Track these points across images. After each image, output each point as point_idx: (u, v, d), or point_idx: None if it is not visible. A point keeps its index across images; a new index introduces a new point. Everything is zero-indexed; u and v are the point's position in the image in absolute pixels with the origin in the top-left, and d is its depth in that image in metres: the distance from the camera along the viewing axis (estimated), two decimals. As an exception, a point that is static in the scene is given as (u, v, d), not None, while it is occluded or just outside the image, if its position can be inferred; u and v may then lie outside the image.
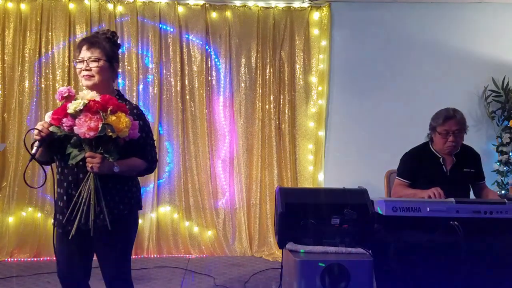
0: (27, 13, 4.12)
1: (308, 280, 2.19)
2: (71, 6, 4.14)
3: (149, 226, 4.18)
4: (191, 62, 4.29)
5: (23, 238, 4.03)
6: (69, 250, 2.00)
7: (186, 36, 4.27)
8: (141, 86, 4.24)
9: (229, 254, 4.21)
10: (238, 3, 4.29)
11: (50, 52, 4.13)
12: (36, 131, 1.83)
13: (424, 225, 2.32)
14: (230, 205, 4.31)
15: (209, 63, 4.30)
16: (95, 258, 2.08)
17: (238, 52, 4.31)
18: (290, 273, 2.31)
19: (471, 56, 4.36)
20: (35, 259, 3.97)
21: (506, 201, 2.39)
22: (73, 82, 4.12)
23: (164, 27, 4.24)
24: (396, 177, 2.96)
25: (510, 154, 4.24)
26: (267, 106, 4.32)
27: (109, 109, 1.79)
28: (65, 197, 1.94)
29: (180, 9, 4.26)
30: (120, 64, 4.01)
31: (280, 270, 2.63)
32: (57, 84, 4.11)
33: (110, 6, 4.17)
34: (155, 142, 2.47)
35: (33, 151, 1.84)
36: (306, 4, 4.30)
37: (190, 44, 4.28)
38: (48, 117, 1.84)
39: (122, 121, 1.79)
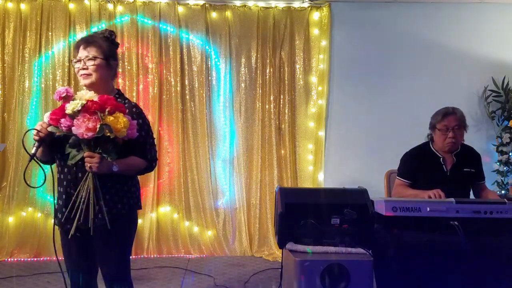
0: (27, 13, 4.12)
1: (308, 280, 2.19)
2: (71, 6, 4.14)
3: (149, 226, 4.18)
4: (191, 62, 4.29)
5: (23, 238, 4.03)
6: (70, 250, 2.01)
7: (186, 36, 4.27)
8: (141, 86, 4.23)
9: (229, 254, 4.21)
10: (238, 3, 4.29)
11: (50, 52, 4.13)
12: (35, 131, 1.83)
13: (424, 225, 2.32)
14: (230, 205, 4.31)
15: (209, 63, 4.30)
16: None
17: (238, 52, 4.31)
18: (290, 273, 2.31)
19: (471, 56, 4.36)
20: (35, 259, 3.97)
21: (506, 201, 2.39)
22: (73, 82, 4.12)
23: (164, 27, 4.24)
24: (397, 177, 2.95)
25: (510, 154, 4.23)
26: (267, 106, 4.32)
27: (107, 109, 1.78)
28: (64, 196, 1.95)
29: (180, 9, 4.26)
30: (120, 64, 4.04)
31: (280, 270, 2.64)
32: (57, 84, 4.12)
33: (110, 6, 4.17)
34: (155, 141, 2.47)
35: (33, 151, 1.85)
36: (306, 4, 4.30)
37: (190, 44, 4.28)
38: (46, 117, 1.84)
39: (120, 121, 1.78)
